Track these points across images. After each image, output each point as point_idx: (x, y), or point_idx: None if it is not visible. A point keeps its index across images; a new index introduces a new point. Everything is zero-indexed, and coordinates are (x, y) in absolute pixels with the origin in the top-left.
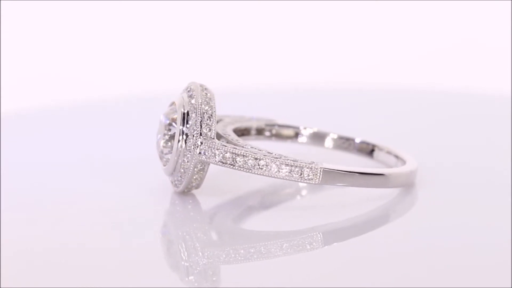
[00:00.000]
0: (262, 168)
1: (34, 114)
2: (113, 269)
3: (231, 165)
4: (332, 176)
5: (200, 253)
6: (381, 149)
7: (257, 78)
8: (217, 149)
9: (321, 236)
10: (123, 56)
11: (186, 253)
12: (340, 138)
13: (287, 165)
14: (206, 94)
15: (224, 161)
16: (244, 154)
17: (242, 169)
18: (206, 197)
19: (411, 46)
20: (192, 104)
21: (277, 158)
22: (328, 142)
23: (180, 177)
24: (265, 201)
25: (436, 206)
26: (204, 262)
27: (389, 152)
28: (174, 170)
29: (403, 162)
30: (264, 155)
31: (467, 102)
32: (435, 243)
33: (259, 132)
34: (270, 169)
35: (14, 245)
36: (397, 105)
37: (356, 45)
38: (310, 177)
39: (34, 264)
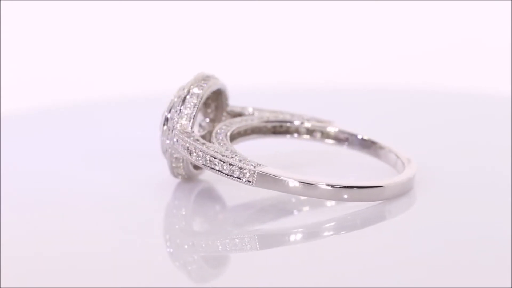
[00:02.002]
0: (207, 163)
1: (33, 115)
2: (115, 269)
3: (189, 155)
4: (266, 180)
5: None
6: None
7: (257, 78)
8: (181, 139)
9: (257, 238)
10: (124, 56)
11: (169, 242)
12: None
13: (228, 163)
14: (200, 85)
15: (183, 151)
16: (195, 147)
17: (195, 161)
18: (211, 196)
19: (410, 46)
20: (179, 92)
21: (224, 156)
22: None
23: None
24: (265, 205)
25: (434, 206)
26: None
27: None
28: (164, 153)
29: (403, 164)
30: (216, 152)
31: (467, 102)
32: (433, 244)
33: (309, 132)
34: (214, 166)
35: (17, 245)
36: (396, 105)
37: (356, 45)
38: (247, 178)
39: (36, 264)
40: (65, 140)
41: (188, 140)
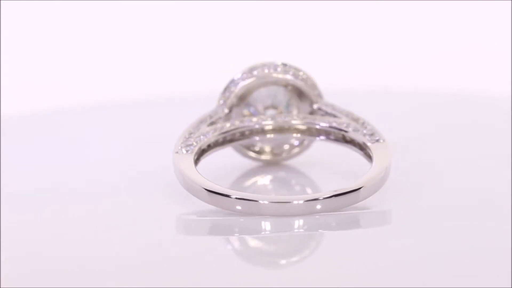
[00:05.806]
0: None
1: (34, 116)
2: (115, 269)
3: None
4: (176, 170)
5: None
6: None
7: None
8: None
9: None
10: (126, 57)
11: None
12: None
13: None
14: (253, 74)
15: None
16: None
17: None
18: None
19: (409, 48)
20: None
21: (181, 143)
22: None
23: None
24: None
25: (434, 207)
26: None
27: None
28: None
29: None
30: (179, 137)
31: (467, 103)
32: (428, 245)
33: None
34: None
35: (22, 246)
36: (396, 107)
37: (356, 47)
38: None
39: (36, 265)
40: (68, 141)
41: (194, 123)
